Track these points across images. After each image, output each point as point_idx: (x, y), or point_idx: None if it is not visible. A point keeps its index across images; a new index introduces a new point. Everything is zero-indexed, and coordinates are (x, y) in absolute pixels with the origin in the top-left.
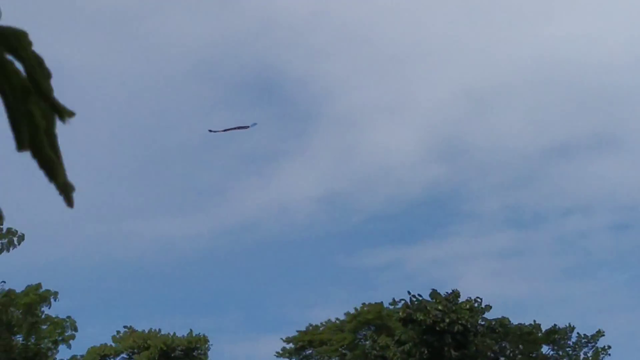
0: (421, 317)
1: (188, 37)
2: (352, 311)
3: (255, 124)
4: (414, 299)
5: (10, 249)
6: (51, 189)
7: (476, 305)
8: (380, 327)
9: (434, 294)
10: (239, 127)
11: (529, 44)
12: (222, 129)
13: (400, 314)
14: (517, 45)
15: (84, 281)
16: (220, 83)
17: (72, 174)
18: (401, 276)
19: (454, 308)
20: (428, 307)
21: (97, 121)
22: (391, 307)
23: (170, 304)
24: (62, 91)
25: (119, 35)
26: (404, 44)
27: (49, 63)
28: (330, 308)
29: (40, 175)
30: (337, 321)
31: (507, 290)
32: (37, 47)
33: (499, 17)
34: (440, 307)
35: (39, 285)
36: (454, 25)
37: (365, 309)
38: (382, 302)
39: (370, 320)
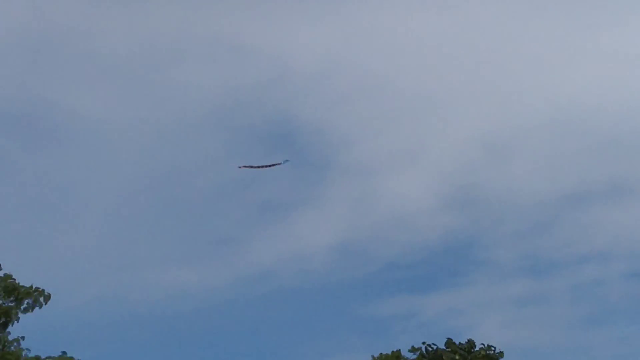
0: None
1: (204, 86)
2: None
3: (287, 160)
4: (430, 348)
5: (36, 308)
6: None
7: (490, 352)
8: None
9: (450, 343)
10: (271, 165)
11: (544, 91)
12: (254, 165)
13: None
14: (532, 93)
15: (101, 331)
16: (236, 131)
17: (89, 222)
18: (417, 325)
19: (469, 357)
20: (444, 357)
21: (115, 170)
22: (410, 354)
23: (188, 353)
24: (81, 141)
25: (137, 84)
26: (419, 92)
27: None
28: (346, 357)
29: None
30: None
31: (524, 339)
32: (57, 98)
33: (514, 64)
34: (457, 357)
35: (60, 358)
36: (469, 72)
37: (383, 356)
38: (399, 349)
39: None
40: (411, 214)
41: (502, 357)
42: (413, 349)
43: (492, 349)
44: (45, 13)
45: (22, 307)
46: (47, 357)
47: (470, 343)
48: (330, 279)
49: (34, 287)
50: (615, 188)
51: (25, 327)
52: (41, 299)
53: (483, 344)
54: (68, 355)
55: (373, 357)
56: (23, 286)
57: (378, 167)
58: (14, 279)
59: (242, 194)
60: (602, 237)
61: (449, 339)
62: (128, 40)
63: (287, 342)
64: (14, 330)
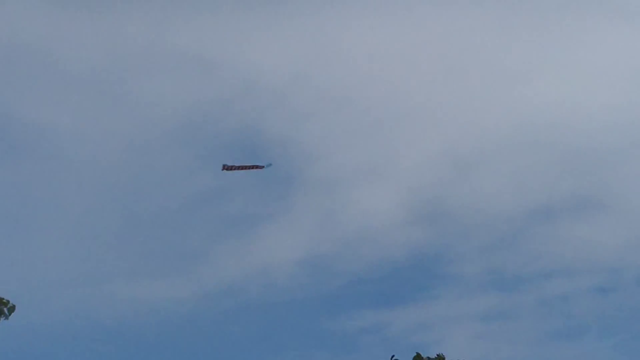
0: None
1: (170, 99)
2: None
3: (270, 164)
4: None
5: (1, 319)
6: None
7: None
8: None
9: (418, 357)
10: (253, 166)
11: (511, 107)
12: (236, 165)
13: None
14: (499, 109)
15: (67, 345)
16: (202, 145)
17: (55, 236)
18: (384, 339)
19: None
20: None
21: (81, 183)
22: None
23: None
24: (46, 154)
25: (103, 98)
26: (386, 107)
27: (34, 127)
28: None
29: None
30: None
31: (491, 353)
32: (22, 111)
33: (481, 81)
34: None
35: None
36: (436, 88)
37: None
38: None
39: None
40: (378, 228)
41: None
42: None
43: None
44: (9, 26)
45: None
46: None
47: (440, 357)
48: (296, 294)
49: None
50: (580, 203)
51: None
52: (5, 310)
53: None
54: None
55: None
56: None
57: (345, 181)
58: None
59: (208, 208)
60: (568, 252)
61: (417, 353)
62: (94, 53)
63: (254, 356)
64: None
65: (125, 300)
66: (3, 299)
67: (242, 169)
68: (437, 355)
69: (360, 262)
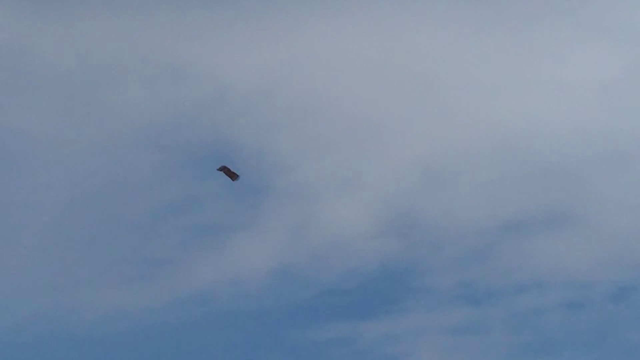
0: None
1: (140, 105)
2: None
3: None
4: None
5: None
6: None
7: None
8: None
9: None
10: (234, 175)
11: (484, 118)
12: (230, 169)
13: None
14: (472, 121)
15: (35, 352)
16: (172, 153)
17: (22, 242)
18: (355, 351)
19: None
20: None
21: (49, 189)
22: None
23: None
24: (13, 158)
25: (71, 102)
26: (358, 116)
27: (3, 131)
28: None
29: None
30: None
31: None
32: None
33: (454, 93)
34: None
35: None
36: (409, 99)
37: None
38: None
39: None
40: (349, 239)
41: None
42: None
43: None
44: None
45: None
46: None
47: None
48: (267, 303)
49: None
50: (553, 217)
51: None
52: None
53: None
54: None
55: None
56: None
57: (316, 191)
58: None
59: (178, 216)
60: (540, 267)
61: None
62: (63, 57)
63: None
64: None
65: (95, 308)
66: None
67: (226, 172)
68: None
69: (331, 273)
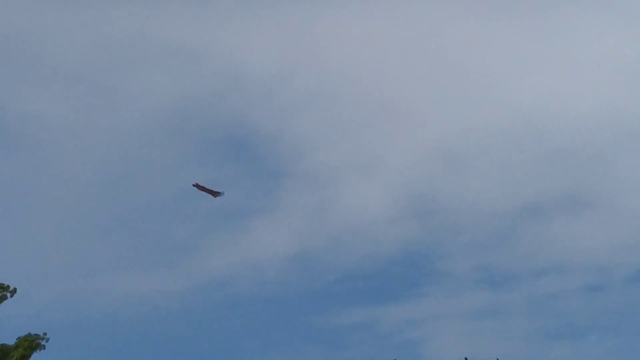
0: None
1: (159, 92)
2: None
3: (223, 193)
4: None
5: (4, 302)
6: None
7: None
8: None
9: None
10: (215, 192)
11: (503, 101)
12: (206, 187)
13: None
14: (489, 105)
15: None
16: (191, 139)
17: (45, 227)
18: (374, 336)
19: None
20: None
21: (71, 175)
22: None
23: (143, 358)
24: (37, 145)
25: (91, 90)
26: (377, 100)
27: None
28: None
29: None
30: None
31: (482, 351)
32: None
33: (471, 77)
34: None
35: (28, 336)
36: (426, 84)
37: None
38: None
39: None
40: (368, 224)
41: None
42: None
43: None
44: None
45: None
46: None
47: None
48: (286, 288)
49: None
50: (572, 199)
51: None
52: (8, 294)
53: None
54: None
55: None
56: None
57: (335, 176)
58: None
59: (198, 202)
60: (559, 250)
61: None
62: (83, 45)
63: (243, 350)
64: None
65: (115, 293)
66: (4, 284)
67: (206, 191)
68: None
69: (350, 258)
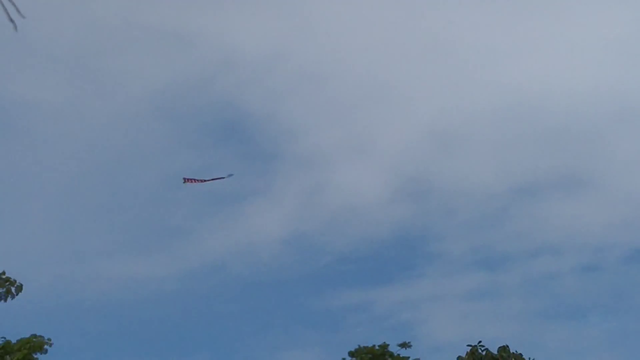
0: None
1: (149, 74)
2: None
3: (231, 174)
4: (482, 347)
5: (8, 298)
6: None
7: None
8: None
9: (503, 349)
10: (214, 179)
11: (494, 83)
12: (197, 179)
13: (466, 357)
14: (482, 85)
15: (47, 323)
16: (183, 123)
17: (35, 211)
18: (370, 318)
19: None
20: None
21: (61, 158)
22: (402, 349)
23: (137, 345)
24: (25, 129)
25: (80, 72)
26: (369, 81)
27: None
28: (299, 350)
29: None
30: None
31: (477, 333)
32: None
33: (463, 57)
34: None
35: (30, 339)
36: (418, 65)
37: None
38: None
39: None
40: (363, 205)
41: None
42: (404, 344)
43: None
44: None
45: None
46: (18, 340)
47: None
48: (281, 271)
49: (5, 274)
50: (565, 179)
51: None
52: (13, 289)
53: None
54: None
55: (352, 352)
56: None
57: (329, 157)
58: None
59: (189, 186)
60: (553, 230)
61: (505, 346)
62: (70, 27)
63: (238, 334)
64: None
65: (108, 278)
66: (10, 278)
67: (203, 181)
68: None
69: (345, 240)
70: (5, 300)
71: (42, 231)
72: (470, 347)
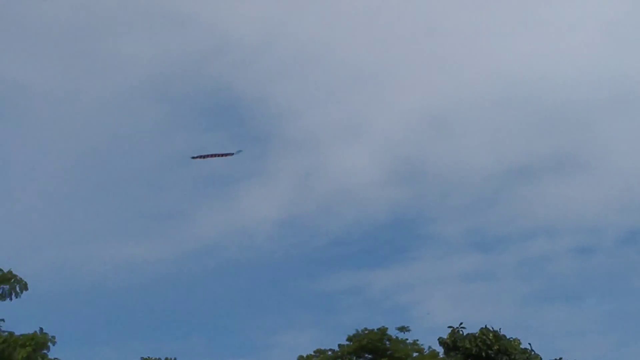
0: (467, 345)
1: (143, 56)
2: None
3: (240, 150)
4: (462, 328)
5: (13, 297)
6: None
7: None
8: (382, 354)
9: (485, 329)
10: (223, 154)
11: (489, 64)
12: (206, 155)
13: (447, 338)
14: (477, 65)
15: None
16: (177, 103)
17: (30, 198)
18: (365, 300)
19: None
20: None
21: (55, 142)
22: (400, 333)
23: (132, 328)
24: (19, 111)
25: (74, 54)
26: (363, 63)
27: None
28: (295, 333)
29: None
30: (331, 352)
31: (473, 315)
32: None
33: (458, 36)
34: (491, 337)
35: (34, 335)
36: (413, 44)
37: (365, 333)
38: (384, 327)
39: (371, 347)
40: (357, 187)
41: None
42: (403, 328)
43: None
44: None
45: None
46: (21, 335)
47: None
48: (276, 254)
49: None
50: (560, 162)
51: None
52: (18, 288)
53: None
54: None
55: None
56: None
57: (323, 139)
58: None
59: (185, 167)
60: (548, 212)
61: (485, 327)
62: (65, 9)
63: (234, 316)
64: None
65: (103, 262)
66: (17, 276)
67: (213, 156)
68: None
69: (340, 222)
70: (11, 299)
71: (35, 215)
72: (451, 329)
